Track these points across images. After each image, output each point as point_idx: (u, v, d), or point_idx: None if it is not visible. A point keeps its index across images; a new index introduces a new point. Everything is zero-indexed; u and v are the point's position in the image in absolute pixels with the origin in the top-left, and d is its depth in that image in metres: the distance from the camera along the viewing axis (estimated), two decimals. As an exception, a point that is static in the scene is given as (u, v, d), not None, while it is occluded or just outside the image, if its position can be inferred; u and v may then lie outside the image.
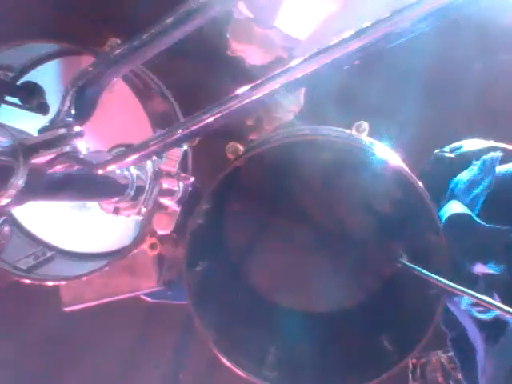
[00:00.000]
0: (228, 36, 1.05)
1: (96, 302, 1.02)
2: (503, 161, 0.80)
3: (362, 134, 0.79)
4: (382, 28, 0.43)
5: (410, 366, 1.18)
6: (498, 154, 0.81)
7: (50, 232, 1.00)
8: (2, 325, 1.36)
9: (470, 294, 0.64)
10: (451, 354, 1.04)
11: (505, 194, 0.76)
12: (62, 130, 0.53)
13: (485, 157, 0.83)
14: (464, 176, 0.87)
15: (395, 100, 1.19)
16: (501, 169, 0.79)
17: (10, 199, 0.45)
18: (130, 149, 0.57)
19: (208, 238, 0.92)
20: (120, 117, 0.95)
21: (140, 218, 0.71)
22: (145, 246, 0.90)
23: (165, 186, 0.71)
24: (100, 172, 0.56)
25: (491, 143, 0.91)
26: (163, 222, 0.76)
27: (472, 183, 0.83)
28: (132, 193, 0.67)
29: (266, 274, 1.01)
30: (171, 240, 0.91)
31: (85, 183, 0.59)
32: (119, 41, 0.73)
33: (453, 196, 0.87)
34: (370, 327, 0.93)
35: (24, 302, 1.32)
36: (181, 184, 0.74)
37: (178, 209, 0.76)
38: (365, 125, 0.80)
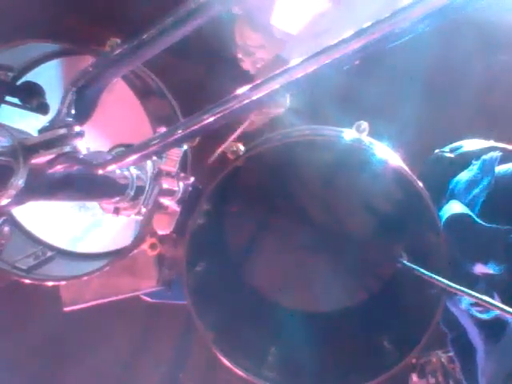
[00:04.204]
0: (235, 31, 1.06)
1: (96, 302, 1.02)
2: (503, 161, 0.80)
3: (361, 134, 0.79)
4: (381, 28, 0.43)
5: (410, 365, 1.18)
6: (498, 154, 0.81)
7: (50, 232, 1.00)
8: (1, 325, 1.36)
9: (469, 294, 0.64)
10: (451, 353, 1.04)
11: (505, 194, 0.76)
12: (62, 130, 0.52)
13: (485, 157, 0.84)
14: (464, 176, 0.87)
15: (395, 100, 1.19)
16: (501, 169, 0.79)
17: (10, 199, 0.45)
18: (129, 149, 0.57)
19: (208, 237, 0.92)
20: (120, 117, 0.95)
21: (140, 217, 0.71)
22: (145, 246, 0.90)
23: (165, 186, 0.71)
24: (100, 172, 0.56)
25: (491, 143, 0.91)
26: (163, 222, 0.76)
27: (472, 183, 0.83)
28: (132, 193, 0.67)
29: (266, 274, 1.01)
30: (171, 240, 0.91)
31: (85, 183, 0.58)
32: (119, 41, 0.73)
33: (453, 196, 0.87)
34: (370, 327, 0.93)
35: (24, 301, 1.32)
36: (181, 184, 0.74)
37: (178, 209, 0.76)
38: (365, 125, 0.79)
